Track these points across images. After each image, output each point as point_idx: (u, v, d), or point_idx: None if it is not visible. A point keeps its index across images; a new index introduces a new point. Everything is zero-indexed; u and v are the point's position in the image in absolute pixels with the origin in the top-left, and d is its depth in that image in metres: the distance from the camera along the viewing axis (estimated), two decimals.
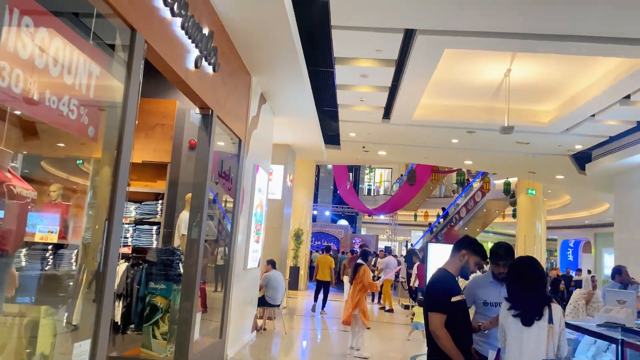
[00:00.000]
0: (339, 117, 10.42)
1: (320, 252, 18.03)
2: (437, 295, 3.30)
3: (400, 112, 9.71)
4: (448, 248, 10.89)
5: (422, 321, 10.09)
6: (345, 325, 8.33)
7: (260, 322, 9.52)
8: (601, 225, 29.01)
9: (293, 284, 17.74)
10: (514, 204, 23.03)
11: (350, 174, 30.83)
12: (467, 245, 3.52)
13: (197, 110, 5.45)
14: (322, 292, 12.13)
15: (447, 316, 3.19)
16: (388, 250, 30.05)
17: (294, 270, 18.23)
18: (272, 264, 9.44)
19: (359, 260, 8.24)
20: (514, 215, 24.32)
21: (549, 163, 13.11)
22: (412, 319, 11.23)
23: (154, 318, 5.29)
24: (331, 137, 12.53)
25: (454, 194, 33.11)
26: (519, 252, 19.13)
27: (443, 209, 30.58)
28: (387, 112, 10.19)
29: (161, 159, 6.56)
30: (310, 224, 20.06)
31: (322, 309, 12.60)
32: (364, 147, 13.00)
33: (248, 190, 7.37)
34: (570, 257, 35.92)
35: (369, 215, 33.07)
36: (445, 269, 3.50)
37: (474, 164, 14.22)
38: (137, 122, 3.57)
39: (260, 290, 9.17)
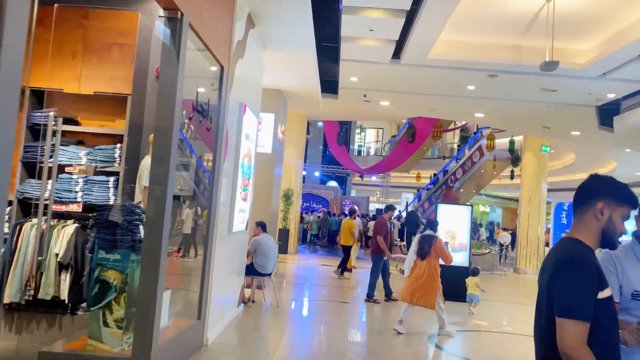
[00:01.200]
0: (341, 56, 8.85)
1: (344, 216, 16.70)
2: (577, 291, 1.81)
3: (415, 48, 8.18)
4: (461, 209, 9.37)
5: (477, 293, 8.83)
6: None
7: (248, 292, 8.21)
8: None
9: (282, 248, 16.49)
10: (515, 164, 21.84)
11: (341, 133, 29.31)
12: (605, 191, 1.97)
13: (162, 13, 3.90)
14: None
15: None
16: (379, 213, 28.99)
17: (284, 233, 16.93)
18: (262, 226, 8.06)
19: (428, 232, 7.10)
20: (512, 177, 23.18)
21: (569, 116, 11.76)
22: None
23: (106, 299, 3.87)
24: (328, 84, 10.97)
25: (445, 159, 31.88)
26: (523, 215, 18.03)
27: (444, 159, 29.17)
28: (399, 50, 8.65)
29: (120, 89, 5.00)
30: (301, 184, 18.69)
31: (342, 273, 12.03)
32: (365, 96, 11.48)
33: (233, 134, 5.88)
34: (564, 221, 35.35)
35: (361, 177, 31.80)
36: (577, 238, 1.96)
37: (486, 117, 12.82)
38: None
39: (248, 256, 7.81)
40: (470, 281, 9.11)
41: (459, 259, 10.05)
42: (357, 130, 35.84)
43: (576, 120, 12.08)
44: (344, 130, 32.53)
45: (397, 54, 8.89)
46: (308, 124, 29.90)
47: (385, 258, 9.07)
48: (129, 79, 4.97)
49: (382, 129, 38.74)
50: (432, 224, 7.23)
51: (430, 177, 31.75)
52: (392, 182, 32.10)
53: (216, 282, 5.51)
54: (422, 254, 6.80)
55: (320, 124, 26.79)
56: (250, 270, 7.74)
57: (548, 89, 9.81)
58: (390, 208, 9.38)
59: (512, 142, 18.62)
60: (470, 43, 8.58)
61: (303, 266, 14.41)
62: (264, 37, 7.32)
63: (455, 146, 34.13)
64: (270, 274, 7.98)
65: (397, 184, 34.58)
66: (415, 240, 7.16)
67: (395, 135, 32.90)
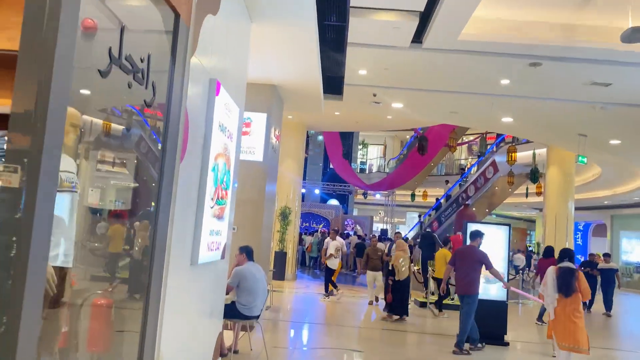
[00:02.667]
0: (349, 39, 7.07)
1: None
2: None
3: (444, 25, 6.43)
4: (496, 231, 7.59)
5: None
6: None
7: (229, 338, 6.31)
8: (621, 206, 26.30)
9: (279, 273, 14.59)
10: (535, 179, 20.04)
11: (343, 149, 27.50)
12: None
13: None
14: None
15: None
16: (384, 234, 27.04)
17: (280, 257, 15.03)
18: (247, 253, 6.19)
19: (567, 263, 6.03)
20: (527, 195, 21.35)
21: (615, 119, 9.98)
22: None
23: None
24: (332, 82, 9.20)
25: (451, 175, 30.13)
26: (548, 236, 16.11)
27: (447, 181, 27.43)
28: (421, 31, 6.90)
29: (12, 45, 3.19)
30: (300, 202, 16.84)
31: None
32: (374, 96, 9.69)
33: (198, 120, 4.04)
34: (580, 241, 33.29)
35: (364, 195, 29.96)
36: None
37: (515, 122, 11.01)
38: None
39: (228, 293, 5.93)
40: None
41: (495, 291, 8.15)
42: (360, 147, 34.12)
43: (622, 125, 10.29)
44: (345, 147, 30.77)
45: (418, 37, 7.13)
46: (308, 137, 28.20)
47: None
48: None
49: (385, 145, 37.06)
50: (570, 254, 6.21)
51: (438, 197, 29.98)
52: (397, 201, 30.21)
53: (172, 334, 3.63)
54: (567, 290, 5.89)
55: (320, 137, 25.01)
56: (232, 312, 5.84)
57: (600, 83, 8.03)
58: (477, 235, 7.47)
59: (534, 154, 16.87)
60: (511, 21, 6.83)
61: (302, 296, 12.47)
62: (251, 6, 5.58)
63: (464, 161, 32.40)
64: (258, 316, 6.08)
65: (402, 203, 32.71)
66: (552, 275, 6.04)
67: (401, 150, 31.18)
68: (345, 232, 25.40)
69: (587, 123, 10.80)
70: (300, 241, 20.74)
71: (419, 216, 30.53)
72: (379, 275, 10.79)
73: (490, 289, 8.06)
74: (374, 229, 31.52)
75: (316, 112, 13.58)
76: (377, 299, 11.11)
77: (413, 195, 29.98)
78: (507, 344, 7.91)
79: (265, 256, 8.69)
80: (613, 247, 26.79)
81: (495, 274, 7.39)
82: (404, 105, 10.24)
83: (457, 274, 7.48)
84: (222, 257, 4.99)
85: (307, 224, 27.22)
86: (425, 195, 31.04)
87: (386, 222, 31.97)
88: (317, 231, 22.60)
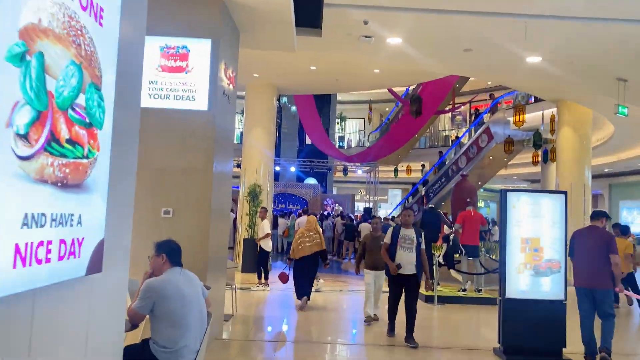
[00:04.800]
0: None
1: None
2: None
3: None
4: (549, 201, 5.12)
5: None
6: None
7: None
8: (623, 173, 24.42)
9: (248, 266, 12.08)
10: (538, 145, 17.81)
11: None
12: None
13: None
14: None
15: None
16: (368, 212, 24.66)
17: (250, 245, 12.44)
18: (168, 253, 3.57)
19: None
20: (546, 160, 18.98)
21: None
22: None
23: None
24: (307, 12, 6.57)
25: (436, 147, 27.88)
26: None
27: (440, 153, 25.04)
28: None
29: None
30: (272, 180, 14.21)
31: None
32: (366, 24, 7.07)
33: None
34: None
35: (344, 173, 27.43)
36: None
37: (541, 64, 8.55)
38: None
39: (136, 325, 3.35)
40: None
41: (547, 287, 5.73)
42: (337, 121, 31.51)
43: None
44: (321, 118, 28.08)
45: None
46: (280, 108, 25.41)
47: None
48: None
49: (364, 118, 34.55)
50: None
51: (424, 168, 27.68)
52: (380, 178, 27.77)
53: None
54: None
55: (294, 108, 22.28)
56: (144, 354, 3.27)
57: None
58: (603, 214, 5.89)
59: (543, 116, 14.54)
60: None
61: (278, 295, 9.93)
62: None
63: (448, 132, 30.15)
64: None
65: (384, 179, 30.37)
66: None
67: (384, 121, 28.71)
68: (326, 212, 22.92)
69: (629, 65, 8.45)
70: (275, 225, 18.17)
71: (408, 198, 28.09)
72: (382, 276, 7.41)
73: (543, 284, 5.64)
74: (355, 208, 29.14)
75: (288, 65, 10.91)
76: (376, 317, 7.47)
77: (396, 171, 27.64)
78: None
79: (219, 254, 6.09)
80: (612, 219, 24.98)
81: (615, 266, 5.57)
82: (403, 39, 7.64)
83: (579, 264, 5.72)
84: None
85: (283, 206, 24.66)
86: (409, 170, 28.74)
87: (368, 200, 29.60)
88: (292, 212, 20.02)
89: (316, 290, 9.65)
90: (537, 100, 17.47)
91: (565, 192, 5.84)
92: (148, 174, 5.51)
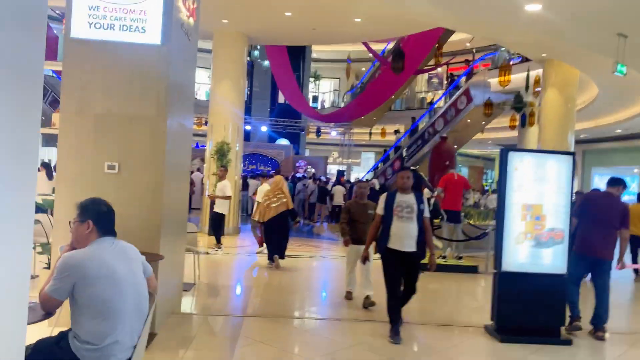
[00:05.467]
0: None
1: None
2: None
3: None
4: (553, 163, 4.38)
5: None
6: None
7: None
8: (597, 140, 24.26)
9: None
10: (519, 108, 17.27)
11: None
12: None
13: None
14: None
15: None
16: (341, 174, 23.97)
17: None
18: (95, 218, 2.67)
19: None
20: (524, 125, 18.45)
21: None
22: None
23: None
24: None
25: (413, 110, 27.19)
26: None
27: (413, 118, 24.42)
28: None
29: None
30: (242, 140, 13.25)
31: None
32: None
33: None
34: None
35: (317, 134, 26.52)
36: None
37: (541, 13, 7.76)
38: None
39: (50, 313, 2.52)
40: None
41: (549, 259, 5.13)
42: (311, 79, 30.32)
43: None
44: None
45: None
46: (252, 64, 24.09)
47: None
48: None
49: (339, 78, 33.44)
50: None
51: (397, 134, 26.98)
52: (354, 140, 26.96)
53: None
54: None
55: (266, 63, 21.09)
56: (58, 356, 2.46)
57: None
58: (620, 182, 5.36)
59: (528, 77, 13.88)
60: None
61: (245, 260, 9.19)
62: None
63: (425, 95, 29.44)
64: None
65: (357, 142, 29.63)
66: None
67: (360, 81, 27.73)
68: (297, 175, 22.10)
69: (632, 17, 7.76)
70: (245, 186, 17.31)
71: (379, 164, 27.42)
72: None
73: (544, 255, 5.02)
74: (328, 171, 28.39)
75: (260, 10, 9.86)
76: (370, 301, 6.05)
77: (370, 134, 26.92)
78: (568, 342, 5.00)
79: (176, 217, 5.23)
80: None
81: (625, 241, 5.24)
82: None
83: (585, 230, 5.29)
84: None
85: (254, 167, 23.73)
86: (383, 133, 28.05)
87: (341, 163, 28.92)
88: (262, 174, 19.14)
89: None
90: (522, 61, 16.80)
91: (573, 154, 5.16)
92: (87, 121, 4.57)
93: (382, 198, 5.02)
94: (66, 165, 4.55)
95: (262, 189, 9.26)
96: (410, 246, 4.81)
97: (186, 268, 6.48)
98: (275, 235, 8.29)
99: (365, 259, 5.29)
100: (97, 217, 2.58)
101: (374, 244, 5.24)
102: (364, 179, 19.55)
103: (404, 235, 4.79)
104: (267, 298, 6.61)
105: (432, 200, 9.46)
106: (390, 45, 24.37)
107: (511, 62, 15.04)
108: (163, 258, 4.48)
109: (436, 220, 9.79)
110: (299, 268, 8.71)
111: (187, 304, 5.90)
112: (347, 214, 6.38)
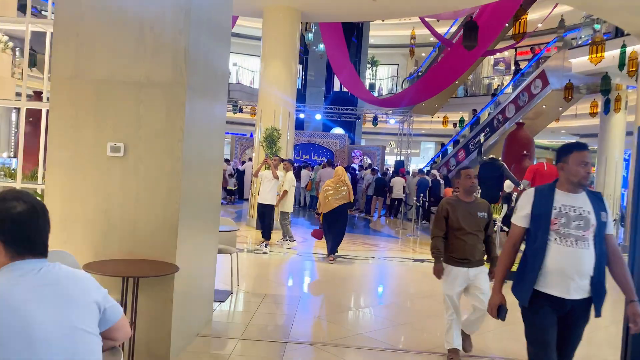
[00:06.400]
0: None
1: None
2: None
3: None
4: None
5: None
6: None
7: None
8: None
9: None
10: (606, 91, 15.22)
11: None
12: None
13: None
14: None
15: None
16: (400, 166, 22.50)
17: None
18: (8, 238, 1.59)
19: None
20: (608, 111, 16.38)
21: None
22: None
23: None
24: None
25: (477, 96, 25.33)
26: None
27: (474, 110, 22.74)
28: None
29: None
30: (293, 127, 12.14)
31: None
32: None
33: None
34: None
35: (373, 122, 25.01)
36: None
37: None
38: None
39: None
40: None
41: None
42: (368, 65, 28.86)
43: None
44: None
45: None
46: (305, 47, 22.92)
47: None
48: None
49: (397, 65, 31.77)
50: None
51: (460, 119, 25.10)
52: (414, 129, 25.24)
53: None
54: None
55: (321, 46, 19.90)
56: None
57: None
58: None
59: (622, 53, 11.94)
60: None
61: (298, 261, 8.07)
62: None
63: (490, 81, 27.35)
64: None
65: (418, 132, 27.94)
66: None
67: (420, 67, 26.08)
68: (351, 166, 20.84)
69: None
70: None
71: (437, 158, 25.78)
72: (482, 276, 3.94)
73: None
74: (385, 161, 26.84)
75: None
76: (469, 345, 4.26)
77: (431, 123, 25.20)
78: None
79: (203, 213, 4.11)
80: None
81: None
82: None
83: None
84: None
85: (308, 157, 22.66)
86: (445, 122, 26.26)
87: (399, 154, 27.29)
88: (318, 164, 18.05)
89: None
90: (610, 38, 14.72)
91: None
92: (85, 89, 3.54)
93: (527, 196, 2.88)
94: (58, 145, 3.54)
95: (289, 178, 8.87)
96: (580, 290, 2.69)
97: (222, 272, 5.44)
98: (332, 229, 7.94)
99: (499, 310, 2.89)
100: (5, 227, 1.47)
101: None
102: (425, 170, 18.02)
103: (570, 271, 2.67)
104: (322, 317, 5.45)
105: (514, 196, 7.98)
106: (454, 27, 22.60)
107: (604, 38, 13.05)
108: (177, 270, 3.39)
109: None
110: (355, 274, 7.53)
111: (220, 320, 4.82)
112: (444, 222, 3.96)
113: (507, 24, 12.27)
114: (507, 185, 8.06)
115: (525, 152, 12.35)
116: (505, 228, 7.31)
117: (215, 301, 5.07)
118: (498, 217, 7.61)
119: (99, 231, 3.52)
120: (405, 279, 7.60)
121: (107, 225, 3.52)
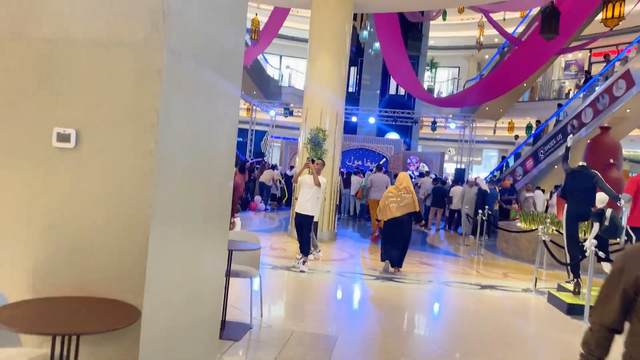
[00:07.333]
0: None
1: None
2: None
3: None
4: None
5: None
6: None
7: None
8: None
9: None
10: None
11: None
12: None
13: None
14: None
15: None
16: (461, 173, 20.84)
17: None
18: None
19: None
20: None
21: None
22: None
23: None
24: None
25: (547, 100, 23.29)
26: None
27: (538, 122, 20.81)
28: None
29: None
30: (341, 128, 10.95)
31: None
32: None
33: None
34: None
35: (432, 127, 23.38)
36: None
37: None
38: None
39: None
40: None
41: None
42: (427, 68, 27.30)
43: None
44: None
45: None
46: (359, 44, 21.72)
47: None
48: None
49: (458, 67, 29.97)
50: None
51: (528, 125, 23.09)
52: (476, 135, 23.34)
53: None
54: None
55: (377, 45, 18.66)
56: None
57: None
58: None
59: None
60: None
61: (344, 281, 6.84)
62: None
63: (561, 85, 25.12)
64: None
65: (479, 138, 26.00)
66: None
67: (482, 70, 24.35)
68: (409, 171, 19.40)
69: None
70: (347, 184, 15.08)
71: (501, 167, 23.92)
72: None
73: None
74: (444, 169, 25.10)
75: None
76: None
77: (495, 129, 23.32)
78: None
79: (204, 227, 2.93)
80: None
81: None
82: None
83: None
84: None
85: (360, 162, 21.41)
86: (511, 128, 24.30)
87: (460, 161, 25.47)
88: (370, 171, 16.73)
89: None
90: None
91: None
92: (27, 51, 2.51)
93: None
94: None
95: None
96: None
97: (243, 300, 4.34)
98: (393, 240, 7.46)
99: None
100: None
101: None
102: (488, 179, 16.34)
103: None
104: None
105: (609, 213, 6.41)
106: (522, 27, 20.79)
107: None
108: (139, 317, 2.26)
109: (615, 242, 6.78)
110: (410, 301, 6.23)
111: None
112: (621, 299, 1.76)
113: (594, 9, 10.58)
114: (601, 199, 6.51)
115: (612, 161, 10.59)
116: (601, 254, 5.79)
117: (226, 339, 3.95)
118: (589, 237, 6.11)
119: (39, 256, 2.46)
120: (475, 313, 6.19)
121: (51, 247, 2.46)
